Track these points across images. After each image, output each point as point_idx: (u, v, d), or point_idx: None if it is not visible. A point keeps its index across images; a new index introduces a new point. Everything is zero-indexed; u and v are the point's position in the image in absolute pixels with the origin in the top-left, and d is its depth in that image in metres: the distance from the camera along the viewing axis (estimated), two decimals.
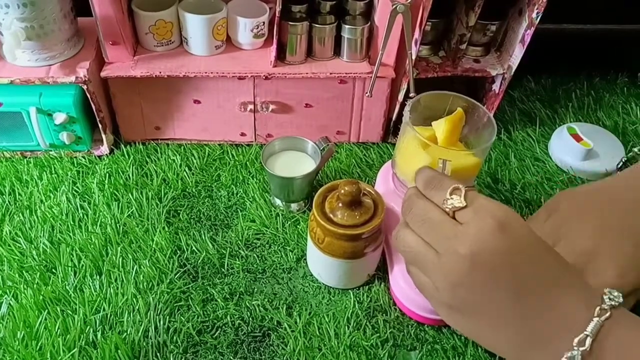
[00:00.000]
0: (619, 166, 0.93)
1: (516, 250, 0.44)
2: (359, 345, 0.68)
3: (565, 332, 0.44)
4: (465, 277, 0.45)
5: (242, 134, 0.96)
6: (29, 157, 0.91)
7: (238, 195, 0.87)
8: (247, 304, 0.72)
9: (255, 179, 0.90)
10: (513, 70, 0.90)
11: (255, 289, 0.74)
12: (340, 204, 0.66)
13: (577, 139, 0.95)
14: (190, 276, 0.75)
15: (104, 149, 0.92)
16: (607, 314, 0.44)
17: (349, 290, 0.74)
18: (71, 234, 0.79)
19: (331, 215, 0.66)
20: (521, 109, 1.09)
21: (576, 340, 0.43)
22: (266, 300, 0.73)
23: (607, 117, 1.08)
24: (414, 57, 0.83)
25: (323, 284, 0.75)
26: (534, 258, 0.45)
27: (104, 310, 0.70)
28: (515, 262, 0.44)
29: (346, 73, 0.88)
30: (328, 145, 0.83)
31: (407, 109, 0.69)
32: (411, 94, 0.84)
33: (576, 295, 0.45)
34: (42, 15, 0.80)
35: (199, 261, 0.77)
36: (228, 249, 0.79)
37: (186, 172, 0.90)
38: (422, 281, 0.51)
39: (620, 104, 1.11)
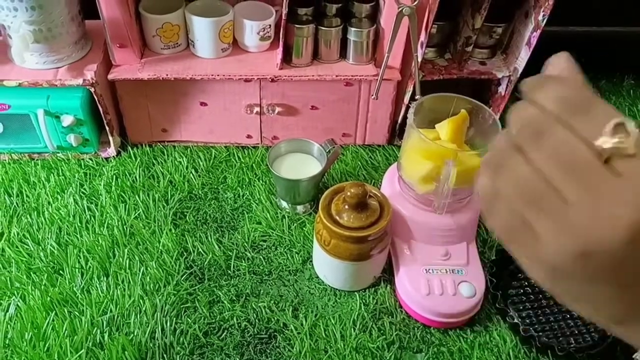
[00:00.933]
0: None
1: None
2: (365, 347, 0.68)
3: None
4: (616, 250, 0.30)
5: (248, 136, 0.96)
6: (37, 159, 0.92)
7: (244, 197, 0.87)
8: (254, 305, 0.72)
9: (261, 181, 0.90)
10: (519, 73, 0.90)
11: (262, 291, 0.74)
12: (346, 206, 0.67)
13: None
14: (197, 278, 0.76)
15: (111, 151, 0.93)
16: None
17: (355, 293, 0.74)
18: (78, 236, 0.80)
19: (337, 218, 0.66)
20: None
21: None
22: (272, 302, 0.73)
23: None
24: (419, 60, 0.83)
25: (329, 286, 0.75)
26: None
27: (111, 311, 0.71)
28: None
29: (352, 75, 0.88)
30: (334, 147, 0.83)
31: (411, 111, 0.70)
32: (417, 97, 0.84)
33: None
34: (50, 19, 0.81)
35: (206, 263, 0.77)
36: (234, 250, 0.79)
37: (192, 174, 0.91)
38: (515, 228, 0.33)
39: (626, 106, 1.11)
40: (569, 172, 0.31)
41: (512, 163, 0.33)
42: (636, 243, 0.29)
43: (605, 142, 0.30)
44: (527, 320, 0.73)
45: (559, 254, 0.31)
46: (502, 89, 0.94)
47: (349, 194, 0.65)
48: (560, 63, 0.37)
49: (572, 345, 0.70)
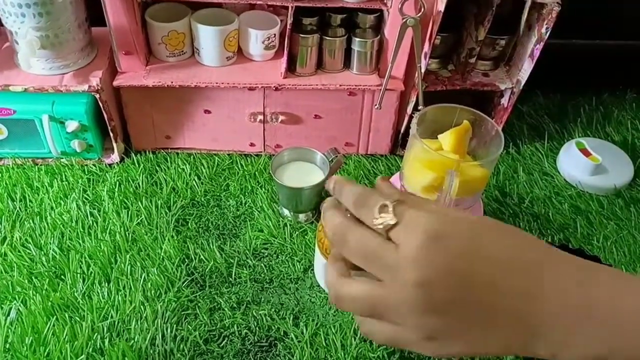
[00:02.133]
0: None
1: (460, 254, 0.40)
2: (366, 356, 0.68)
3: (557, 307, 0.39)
4: (427, 305, 0.40)
5: (252, 144, 0.96)
6: (41, 164, 0.92)
7: (246, 205, 0.88)
8: (254, 313, 0.72)
9: (263, 189, 0.90)
10: (522, 85, 0.90)
11: (262, 299, 0.74)
12: (349, 215, 0.66)
13: (586, 153, 0.96)
14: (198, 285, 0.76)
15: (115, 157, 0.93)
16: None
17: None
18: (81, 241, 0.80)
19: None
20: (530, 124, 1.09)
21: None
22: (273, 310, 0.73)
23: (615, 132, 1.08)
24: (423, 71, 0.84)
25: None
26: (480, 253, 0.40)
27: (111, 317, 0.71)
28: (462, 268, 0.40)
29: (355, 85, 0.89)
30: (337, 156, 0.83)
31: (414, 121, 0.70)
32: (420, 107, 0.84)
33: (553, 263, 0.40)
34: (57, 25, 0.82)
35: (207, 270, 0.77)
36: (236, 258, 0.79)
37: (195, 182, 0.91)
38: (386, 332, 0.44)
39: (629, 120, 1.11)
40: (369, 261, 0.42)
41: (346, 289, 0.44)
42: (427, 290, 0.39)
43: (377, 223, 0.42)
44: None
45: (411, 328, 0.42)
46: (504, 101, 0.95)
47: None
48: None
49: None
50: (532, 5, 0.85)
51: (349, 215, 0.46)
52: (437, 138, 0.72)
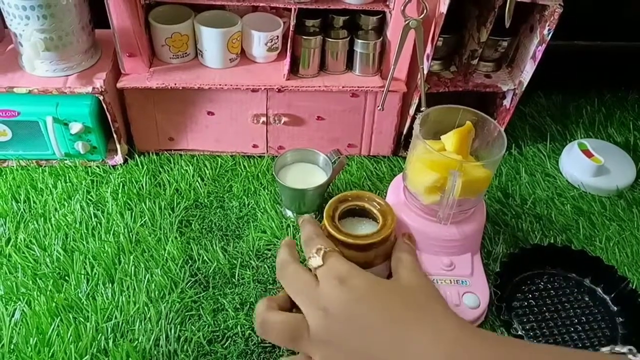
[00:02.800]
0: None
1: (356, 299, 0.50)
2: None
3: None
4: (326, 332, 0.50)
5: (255, 146, 0.97)
6: (45, 166, 0.92)
7: (249, 206, 0.88)
8: None
9: (266, 190, 0.90)
10: (524, 86, 0.91)
11: None
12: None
13: (588, 154, 0.96)
14: (202, 286, 0.76)
15: (118, 158, 0.94)
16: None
17: None
18: (84, 242, 0.80)
19: (341, 226, 0.66)
20: (532, 125, 1.09)
21: None
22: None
23: (618, 133, 1.08)
24: (425, 72, 0.84)
25: None
26: (373, 302, 0.50)
27: (115, 318, 0.71)
28: (357, 310, 0.49)
29: (358, 87, 0.89)
30: (339, 157, 0.83)
31: (417, 122, 0.70)
32: (422, 108, 0.84)
33: (422, 331, 0.47)
34: (61, 27, 0.82)
35: (210, 271, 0.78)
36: (239, 259, 0.79)
37: (199, 183, 0.91)
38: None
39: (631, 121, 1.11)
40: (297, 294, 0.55)
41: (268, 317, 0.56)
42: (331, 322, 0.50)
43: (310, 263, 0.56)
44: (531, 333, 0.73)
45: (317, 349, 0.52)
46: (507, 102, 0.95)
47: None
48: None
49: None
50: (534, 7, 0.85)
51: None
52: (439, 139, 0.73)
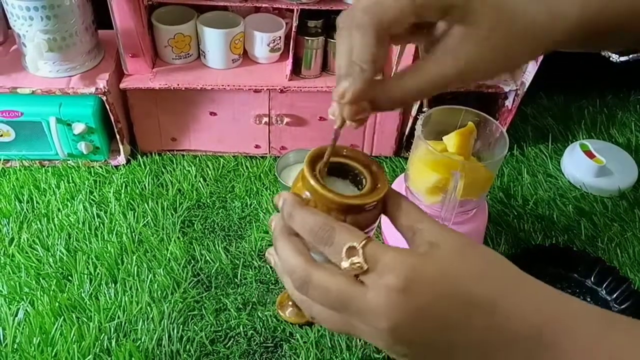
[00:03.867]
0: None
1: (425, 302, 0.40)
2: (371, 358, 0.69)
3: None
4: (396, 342, 0.41)
5: (257, 146, 0.97)
6: (48, 166, 0.93)
7: (252, 207, 0.88)
8: (260, 314, 0.73)
9: (269, 191, 0.91)
10: (526, 87, 0.91)
11: (268, 300, 0.75)
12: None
13: (590, 155, 0.96)
14: (204, 286, 0.76)
15: (121, 159, 0.94)
16: None
17: None
18: (87, 242, 0.80)
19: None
20: (534, 125, 1.09)
21: None
22: (278, 311, 0.73)
23: (619, 134, 1.08)
24: None
25: None
26: (448, 295, 0.40)
27: (118, 318, 0.71)
28: (430, 313, 0.40)
29: None
30: None
31: (419, 123, 0.70)
32: (424, 109, 0.85)
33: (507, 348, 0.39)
34: (64, 28, 0.82)
35: (213, 271, 0.78)
36: (241, 259, 0.80)
37: (201, 183, 0.91)
38: (343, 327, 0.44)
39: (633, 122, 1.11)
40: (335, 305, 0.40)
41: (315, 311, 0.43)
42: (397, 334, 0.39)
43: (346, 267, 0.39)
44: None
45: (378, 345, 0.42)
46: (509, 103, 0.95)
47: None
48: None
49: None
50: None
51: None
52: (442, 139, 0.73)
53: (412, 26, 0.43)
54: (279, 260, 0.45)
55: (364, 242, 0.40)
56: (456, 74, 0.43)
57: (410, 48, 0.83)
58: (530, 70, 0.89)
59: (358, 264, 0.39)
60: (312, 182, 0.46)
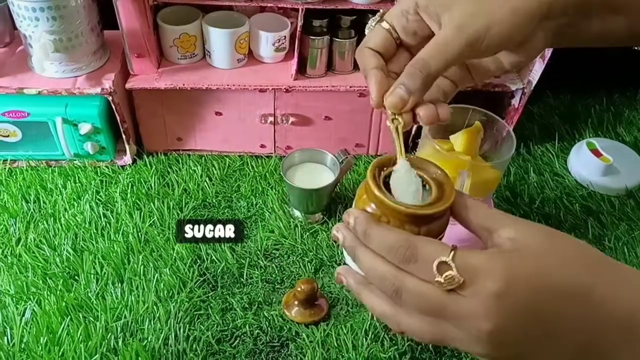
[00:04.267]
0: None
1: (526, 303, 0.40)
2: (377, 357, 0.68)
3: None
4: (497, 345, 0.40)
5: (262, 146, 0.97)
6: (54, 166, 0.93)
7: (257, 206, 0.88)
8: (266, 313, 0.73)
9: (274, 190, 0.91)
10: (533, 86, 0.90)
11: (274, 299, 0.75)
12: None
13: (597, 154, 0.95)
14: (210, 285, 0.76)
15: (127, 159, 0.94)
16: None
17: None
18: (94, 242, 0.81)
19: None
20: (540, 124, 1.09)
21: None
22: (284, 310, 0.73)
23: (626, 132, 1.08)
24: None
25: (342, 296, 0.75)
26: (546, 292, 0.40)
27: (125, 317, 0.71)
28: (531, 311, 0.40)
29: (365, 86, 0.89)
30: (347, 157, 0.83)
31: None
32: None
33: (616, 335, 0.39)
34: (70, 29, 0.82)
35: (219, 271, 0.78)
36: (247, 259, 0.80)
37: (207, 183, 0.92)
38: (438, 336, 0.43)
39: None
40: (431, 311, 0.40)
41: (405, 323, 0.42)
42: (498, 337, 0.39)
43: (439, 281, 0.39)
44: None
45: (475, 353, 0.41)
46: (515, 102, 0.94)
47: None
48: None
49: None
50: None
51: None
52: (448, 139, 0.72)
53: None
54: (364, 271, 0.43)
55: (452, 253, 0.39)
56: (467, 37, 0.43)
57: None
58: (537, 68, 0.88)
59: (453, 279, 0.39)
60: (381, 195, 0.45)
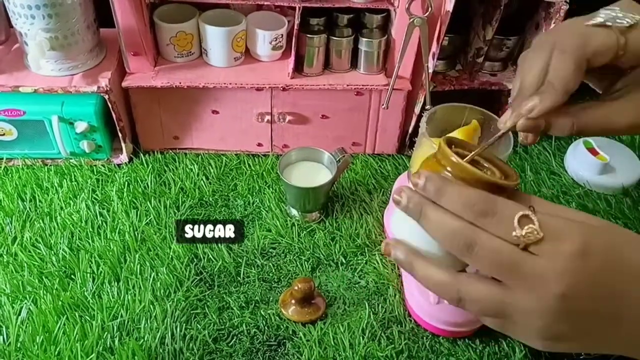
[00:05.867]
0: None
1: (600, 269, 0.40)
2: (374, 356, 0.68)
3: None
4: (563, 314, 0.40)
5: (259, 144, 0.97)
6: (50, 165, 0.93)
7: (254, 205, 0.88)
8: (263, 312, 0.73)
9: (271, 189, 0.90)
10: None
11: (271, 298, 0.75)
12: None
13: (594, 152, 0.95)
14: (207, 284, 0.76)
15: (123, 157, 0.94)
16: None
17: (364, 301, 0.74)
18: (90, 241, 0.80)
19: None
20: None
21: None
22: (281, 309, 0.73)
23: None
24: (431, 71, 0.84)
25: (339, 294, 0.75)
26: (620, 265, 0.41)
27: (121, 316, 0.71)
28: (604, 281, 0.40)
29: (363, 85, 0.89)
30: (344, 156, 0.83)
31: (423, 120, 0.70)
32: (427, 107, 0.84)
33: None
34: (66, 26, 0.82)
35: (215, 269, 0.78)
36: (244, 257, 0.79)
37: (203, 182, 0.91)
38: (508, 328, 0.44)
39: None
40: (503, 268, 0.40)
41: (467, 288, 0.43)
42: (569, 301, 0.39)
43: (517, 235, 0.39)
44: None
45: (537, 330, 0.42)
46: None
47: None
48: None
49: (581, 357, 0.70)
50: (539, 4, 0.85)
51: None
52: None
53: (604, 65, 0.48)
54: (431, 229, 0.44)
55: (532, 210, 0.40)
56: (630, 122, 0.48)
57: (412, 46, 0.83)
58: None
59: (534, 231, 0.39)
60: (463, 163, 0.45)
